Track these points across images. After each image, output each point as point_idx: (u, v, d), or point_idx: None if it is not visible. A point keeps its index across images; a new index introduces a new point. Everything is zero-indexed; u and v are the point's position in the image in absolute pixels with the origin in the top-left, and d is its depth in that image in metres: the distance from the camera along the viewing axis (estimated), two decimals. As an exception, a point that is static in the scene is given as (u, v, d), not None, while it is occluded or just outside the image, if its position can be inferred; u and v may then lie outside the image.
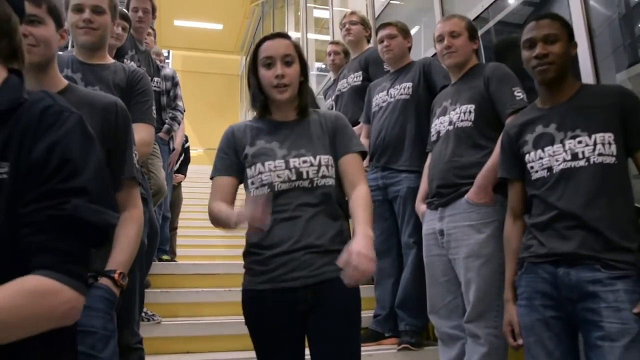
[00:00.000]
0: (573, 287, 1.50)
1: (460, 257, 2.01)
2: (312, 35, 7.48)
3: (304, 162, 1.50)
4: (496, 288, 1.89)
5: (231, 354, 2.68)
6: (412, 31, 2.99)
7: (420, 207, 2.29)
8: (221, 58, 12.28)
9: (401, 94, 2.67)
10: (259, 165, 1.51)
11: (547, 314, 1.55)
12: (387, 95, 2.74)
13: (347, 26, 3.29)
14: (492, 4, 2.96)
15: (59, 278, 0.75)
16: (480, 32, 2.70)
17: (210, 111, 11.25)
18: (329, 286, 1.42)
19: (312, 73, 7.23)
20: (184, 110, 3.79)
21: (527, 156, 1.69)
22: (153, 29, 3.63)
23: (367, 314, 2.72)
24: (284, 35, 1.60)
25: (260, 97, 1.58)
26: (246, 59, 12.13)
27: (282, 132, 1.56)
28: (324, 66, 7.34)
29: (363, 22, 3.34)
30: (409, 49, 2.81)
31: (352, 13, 3.39)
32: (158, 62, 3.38)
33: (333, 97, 3.47)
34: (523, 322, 1.62)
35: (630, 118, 1.57)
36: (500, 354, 1.92)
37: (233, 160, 1.57)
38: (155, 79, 3.10)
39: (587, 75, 2.12)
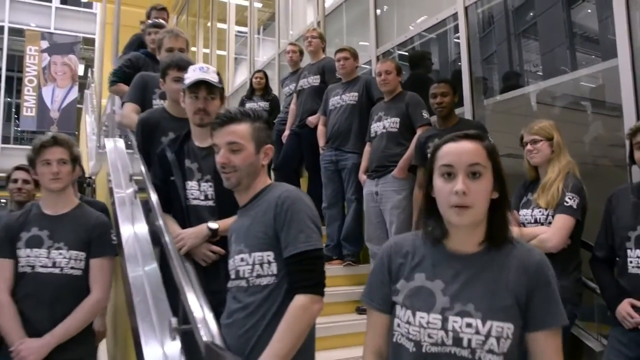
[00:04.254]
0: None
1: (387, 208, 3.43)
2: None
3: (468, 325, 1.10)
4: (407, 227, 3.33)
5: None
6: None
7: (362, 177, 3.69)
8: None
9: (350, 100, 3.98)
10: (408, 313, 1.16)
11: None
12: (340, 99, 4.03)
13: (309, 39, 4.52)
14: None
15: None
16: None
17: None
18: None
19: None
20: None
21: (429, 154, 3.10)
22: None
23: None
24: (473, 137, 1.19)
25: (436, 221, 1.20)
26: (177, 17, 12.49)
27: (454, 267, 1.17)
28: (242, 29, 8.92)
29: (320, 37, 4.58)
30: (357, 67, 4.11)
31: (314, 29, 4.62)
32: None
33: (294, 89, 4.70)
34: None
35: None
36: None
37: (389, 289, 1.23)
38: None
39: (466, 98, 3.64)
